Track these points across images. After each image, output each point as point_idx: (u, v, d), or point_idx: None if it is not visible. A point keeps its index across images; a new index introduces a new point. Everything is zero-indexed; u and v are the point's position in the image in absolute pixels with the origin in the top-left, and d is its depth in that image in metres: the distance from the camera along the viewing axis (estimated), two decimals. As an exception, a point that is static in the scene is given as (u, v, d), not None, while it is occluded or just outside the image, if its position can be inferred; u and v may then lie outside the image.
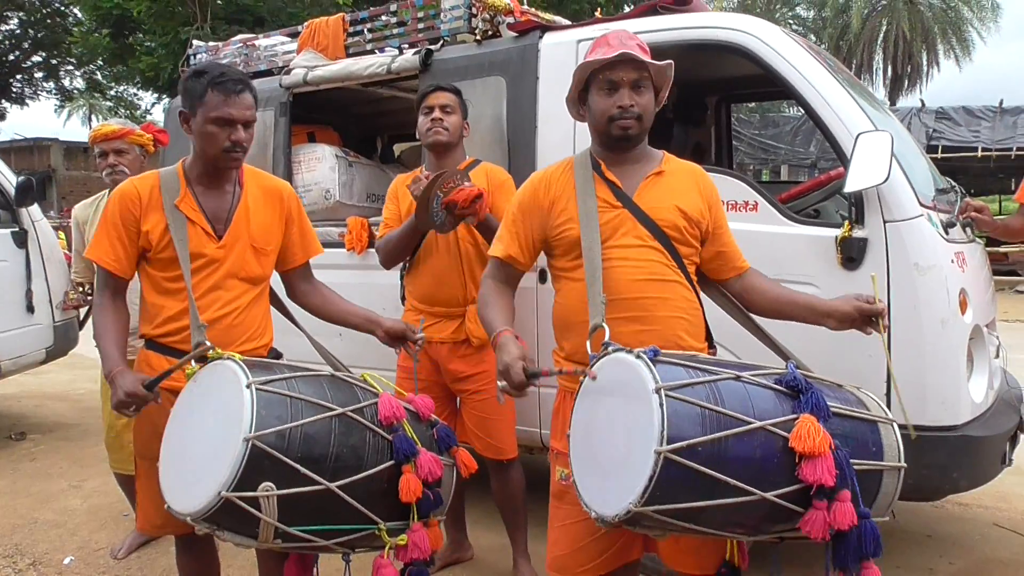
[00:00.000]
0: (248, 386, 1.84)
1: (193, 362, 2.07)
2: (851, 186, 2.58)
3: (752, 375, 1.72)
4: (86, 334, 4.88)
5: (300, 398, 1.88)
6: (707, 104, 4.58)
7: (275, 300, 2.53)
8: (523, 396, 1.91)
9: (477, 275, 3.01)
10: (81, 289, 4.14)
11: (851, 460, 1.65)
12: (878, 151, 2.53)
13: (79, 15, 20.93)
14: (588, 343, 1.92)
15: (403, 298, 3.23)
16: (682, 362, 1.72)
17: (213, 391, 1.93)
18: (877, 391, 2.43)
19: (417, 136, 3.08)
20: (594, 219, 2.05)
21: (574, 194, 2.10)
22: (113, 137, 3.40)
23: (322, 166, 4.18)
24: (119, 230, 2.25)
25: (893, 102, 28.55)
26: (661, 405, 1.58)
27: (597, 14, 4.22)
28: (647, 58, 2.06)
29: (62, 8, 24.47)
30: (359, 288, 3.75)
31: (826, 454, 1.59)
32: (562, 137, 3.30)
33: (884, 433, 1.77)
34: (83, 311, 5.22)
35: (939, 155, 14.00)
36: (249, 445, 1.76)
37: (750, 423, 1.61)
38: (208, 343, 2.09)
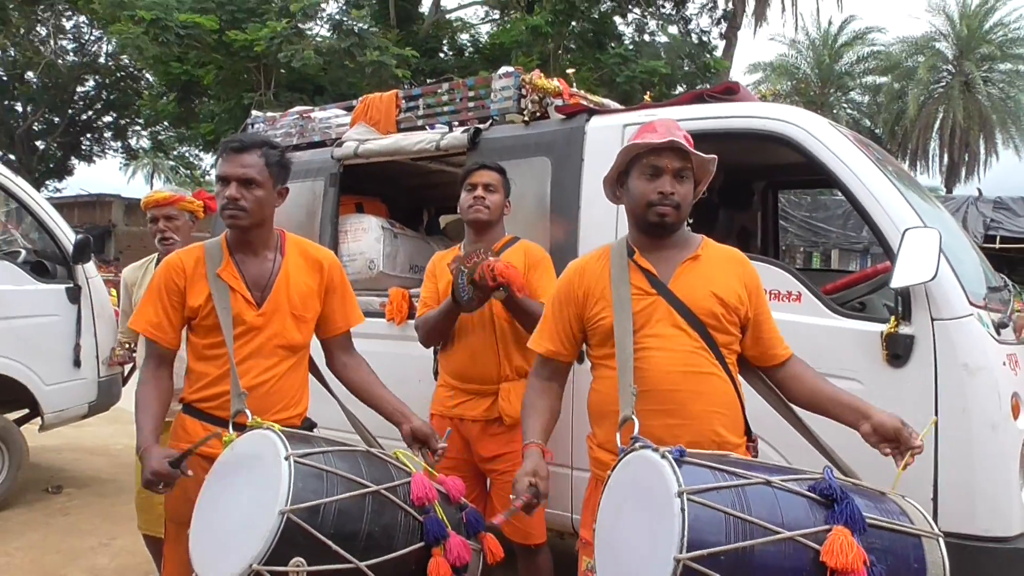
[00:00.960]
0: (287, 458, 1.84)
1: (231, 429, 2.09)
2: (897, 282, 2.54)
3: (784, 480, 1.66)
4: (129, 389, 4.96)
5: (336, 473, 1.88)
6: (753, 189, 4.58)
7: (312, 368, 2.55)
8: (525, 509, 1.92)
9: (512, 353, 3.00)
10: (127, 347, 4.24)
11: (889, 579, 1.56)
12: (926, 248, 2.50)
13: (150, 79, 22.00)
14: (618, 435, 1.89)
15: (436, 372, 3.22)
16: (710, 464, 1.67)
17: (250, 461, 1.94)
18: (923, 498, 2.34)
19: (459, 211, 3.13)
20: (627, 307, 2.04)
21: (609, 282, 2.10)
22: (164, 203, 3.52)
23: (368, 236, 4.27)
24: (163, 299, 2.33)
25: (949, 190, 28.19)
26: (682, 510, 1.53)
27: (647, 97, 4.29)
28: (692, 149, 2.08)
29: (135, 71, 25.76)
30: (396, 359, 3.78)
31: (859, 571, 1.52)
32: (604, 218, 3.33)
33: (928, 548, 1.67)
34: (128, 367, 5.33)
35: (997, 245, 13.71)
36: (284, 519, 1.75)
37: (778, 532, 1.55)
38: (247, 411, 2.12)
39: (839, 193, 3.11)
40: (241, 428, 2.09)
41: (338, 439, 2.12)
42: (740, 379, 2.14)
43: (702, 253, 2.12)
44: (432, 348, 3.30)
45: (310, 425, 2.45)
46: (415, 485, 1.98)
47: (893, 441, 1.89)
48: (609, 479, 1.81)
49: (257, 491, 1.84)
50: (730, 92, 3.40)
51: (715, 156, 2.12)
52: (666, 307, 2.04)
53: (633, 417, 1.88)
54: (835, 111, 29.65)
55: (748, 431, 2.12)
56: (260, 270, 2.36)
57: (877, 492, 1.78)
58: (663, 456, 1.65)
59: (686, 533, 1.51)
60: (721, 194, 4.24)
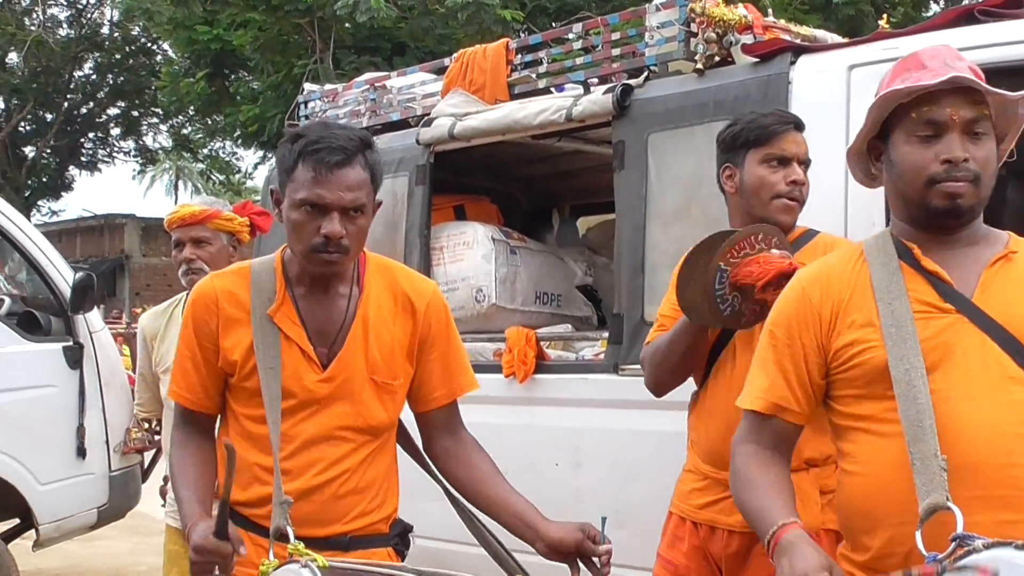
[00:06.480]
0: None
1: (271, 553, 2.10)
2: None
3: None
4: (151, 487, 5.11)
5: None
6: (1063, 151, 4.34)
7: (404, 438, 2.54)
8: None
9: None
10: (147, 427, 4.41)
11: None
12: None
13: (169, 51, 23.26)
14: (919, 534, 1.77)
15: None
16: None
17: None
18: None
19: (740, 194, 2.85)
20: (910, 333, 1.94)
21: (871, 296, 2.01)
22: (192, 221, 3.66)
23: (473, 254, 4.32)
24: (192, 349, 2.36)
25: None
26: None
27: (882, 24, 4.16)
28: (988, 87, 1.96)
29: (149, 44, 27.30)
30: (520, 434, 3.78)
31: None
32: (827, 206, 3.23)
33: None
34: (148, 456, 5.54)
35: None
36: None
37: None
38: (290, 528, 2.11)
39: None
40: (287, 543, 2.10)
41: (440, 556, 2.10)
42: None
43: (1019, 251, 2.00)
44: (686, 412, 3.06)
45: (403, 531, 2.45)
46: None
47: None
48: None
49: None
50: (1016, 4, 3.26)
51: (1022, 93, 1.98)
52: (974, 333, 1.93)
53: (951, 504, 1.76)
54: None
55: None
56: (329, 313, 2.34)
57: None
58: None
59: None
60: (1008, 161, 4.03)
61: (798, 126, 2.85)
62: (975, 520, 1.79)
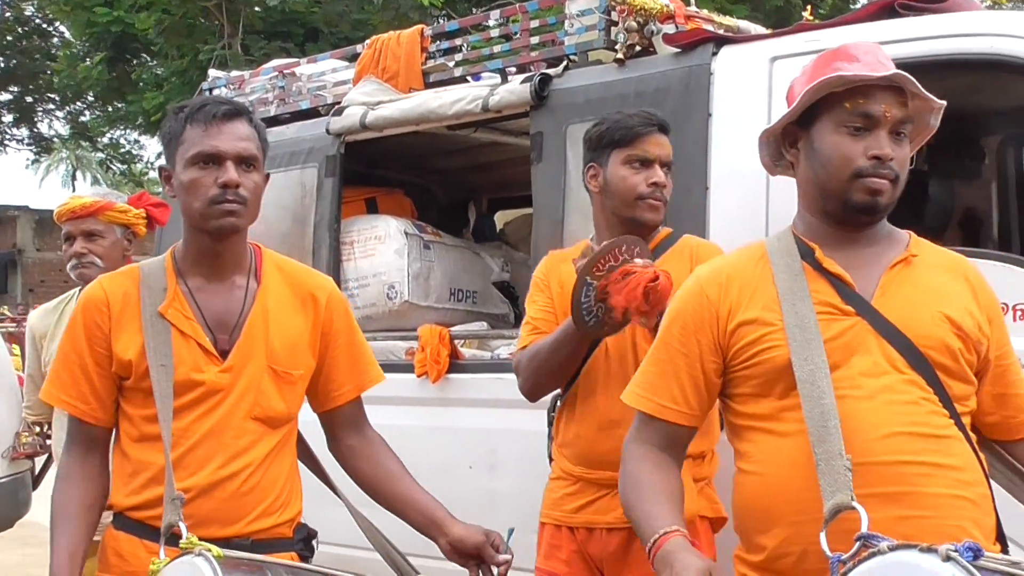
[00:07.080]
0: None
1: (162, 551, 2.11)
2: None
3: None
4: (42, 495, 5.03)
5: None
6: (983, 148, 4.44)
7: (302, 450, 2.57)
8: None
9: None
10: (38, 431, 4.32)
11: None
12: None
13: (67, 34, 22.79)
14: (823, 535, 1.82)
15: (551, 456, 3.11)
16: (1012, 570, 1.59)
17: None
18: None
19: (604, 193, 2.97)
20: (814, 334, 2.00)
21: (774, 295, 2.07)
22: (83, 214, 3.60)
23: (385, 248, 4.31)
24: (82, 356, 2.34)
25: None
26: None
27: (806, 15, 4.23)
28: (924, 90, 2.04)
29: (44, 25, 26.73)
30: (435, 435, 3.78)
31: None
32: (747, 203, 3.28)
33: None
34: (39, 461, 5.44)
35: None
36: None
37: None
38: (183, 523, 2.11)
39: None
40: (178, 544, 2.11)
41: (344, 562, 2.10)
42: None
43: (918, 254, 2.10)
44: (546, 415, 3.17)
45: (307, 537, 2.46)
46: None
47: None
48: None
49: None
50: (934, -1, 3.33)
51: (944, 103, 2.08)
52: (872, 336, 2.02)
53: (855, 504, 1.82)
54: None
55: (1001, 536, 2.06)
56: (226, 303, 2.37)
57: None
58: (948, 558, 1.54)
59: None
60: (931, 157, 4.12)
61: (663, 128, 2.97)
62: (872, 517, 1.85)
